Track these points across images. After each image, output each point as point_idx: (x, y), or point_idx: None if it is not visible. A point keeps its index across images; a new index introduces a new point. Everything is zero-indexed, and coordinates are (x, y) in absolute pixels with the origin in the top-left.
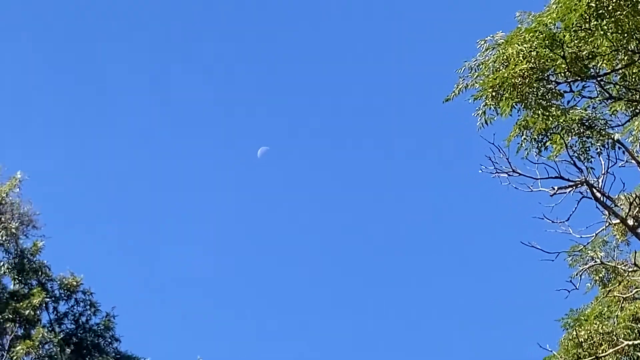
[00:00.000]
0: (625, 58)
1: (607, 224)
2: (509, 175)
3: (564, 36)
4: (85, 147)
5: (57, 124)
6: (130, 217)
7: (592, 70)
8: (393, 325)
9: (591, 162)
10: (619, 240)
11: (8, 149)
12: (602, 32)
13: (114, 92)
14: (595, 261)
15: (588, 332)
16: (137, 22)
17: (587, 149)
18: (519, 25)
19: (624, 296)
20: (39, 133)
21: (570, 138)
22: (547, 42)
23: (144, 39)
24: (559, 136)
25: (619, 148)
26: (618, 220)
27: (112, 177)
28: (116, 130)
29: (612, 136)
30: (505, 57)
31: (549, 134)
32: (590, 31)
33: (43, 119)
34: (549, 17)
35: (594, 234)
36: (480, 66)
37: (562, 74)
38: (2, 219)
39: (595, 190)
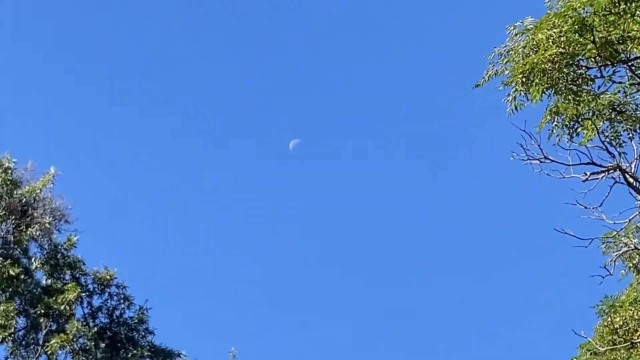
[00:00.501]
0: None
1: None
2: (540, 162)
3: (594, 20)
4: (115, 140)
5: (88, 118)
6: (161, 210)
7: (622, 54)
8: (424, 322)
9: (623, 147)
10: None
11: (40, 143)
12: (631, 16)
13: (142, 87)
14: (629, 247)
15: (623, 318)
16: (170, 19)
17: (619, 133)
18: (548, 11)
19: None
20: (70, 126)
21: (601, 123)
22: (576, 26)
23: (176, 32)
24: (590, 122)
25: None
26: None
27: (142, 170)
28: (146, 123)
29: None
30: (534, 42)
31: (580, 119)
32: (619, 15)
33: (73, 112)
34: (578, 1)
35: (628, 220)
36: (510, 52)
37: (593, 59)
38: (35, 214)
39: (627, 176)
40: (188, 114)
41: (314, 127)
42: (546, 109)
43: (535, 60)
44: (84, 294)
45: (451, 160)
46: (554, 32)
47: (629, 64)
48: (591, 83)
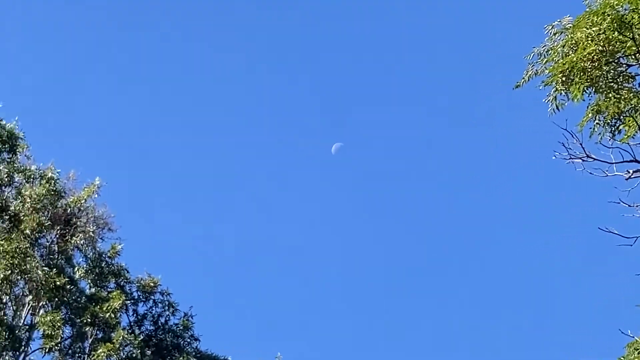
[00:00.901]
0: None
1: None
2: (583, 160)
3: (632, 18)
4: (156, 145)
5: (129, 125)
6: (203, 216)
7: None
8: (471, 321)
9: None
10: None
11: (83, 153)
12: None
13: (189, 88)
14: None
15: None
16: (222, 20)
17: None
18: (587, 9)
19: None
20: (110, 134)
21: None
22: (615, 24)
23: (224, 34)
24: (631, 119)
25: None
26: None
27: (186, 177)
28: (190, 127)
29: None
30: (573, 41)
31: (621, 117)
32: None
33: (115, 121)
34: None
35: None
36: (549, 52)
37: (633, 56)
38: (79, 223)
39: None
40: (229, 119)
41: (356, 131)
42: (587, 107)
43: (575, 59)
44: (128, 301)
45: (492, 161)
46: (593, 31)
47: None
48: (632, 80)
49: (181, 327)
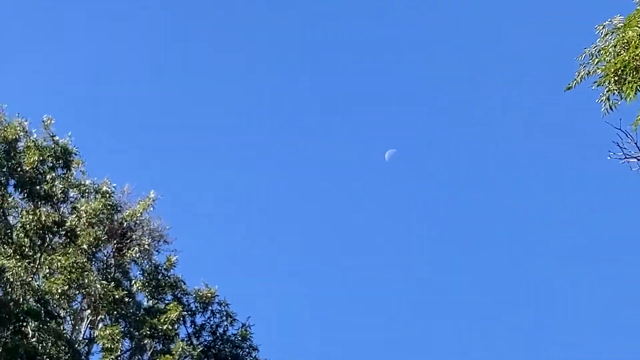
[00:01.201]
0: None
1: None
2: (638, 160)
3: None
4: (206, 155)
5: (182, 137)
6: (257, 224)
7: None
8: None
9: None
10: None
11: (137, 166)
12: None
13: (231, 100)
14: None
15: None
16: (286, 28)
17: None
18: (638, 7)
19: None
20: (164, 145)
21: None
22: None
23: (270, 39)
24: None
25: None
26: None
27: (237, 187)
28: (238, 137)
29: None
30: (625, 40)
31: None
32: None
33: (167, 134)
34: None
35: None
36: (601, 52)
37: None
38: (134, 236)
39: None
40: (279, 124)
41: (410, 137)
42: None
43: (627, 58)
44: (186, 313)
45: (543, 163)
46: None
47: None
48: None
49: (239, 337)
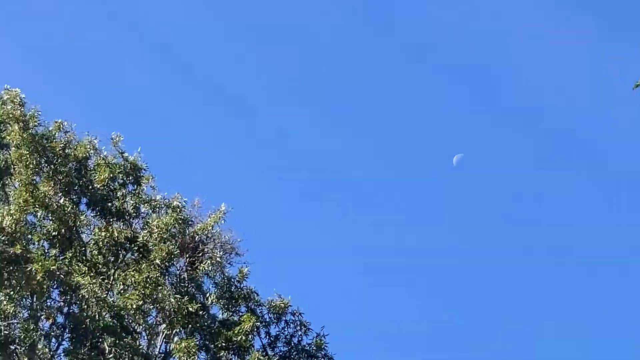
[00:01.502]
0: None
1: None
2: None
3: None
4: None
5: (251, 151)
6: (327, 232)
7: None
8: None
9: None
10: None
11: (205, 180)
12: None
13: (304, 108)
14: None
15: None
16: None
17: None
18: None
19: None
20: (233, 160)
21: None
22: None
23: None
24: None
25: None
26: None
27: (306, 195)
28: (304, 145)
29: None
30: None
31: None
32: None
33: (237, 148)
34: None
35: None
36: None
37: None
38: (206, 249)
39: None
40: (349, 129)
41: (479, 142)
42: None
43: None
44: (260, 323)
45: (618, 166)
46: None
47: None
48: None
49: (314, 347)
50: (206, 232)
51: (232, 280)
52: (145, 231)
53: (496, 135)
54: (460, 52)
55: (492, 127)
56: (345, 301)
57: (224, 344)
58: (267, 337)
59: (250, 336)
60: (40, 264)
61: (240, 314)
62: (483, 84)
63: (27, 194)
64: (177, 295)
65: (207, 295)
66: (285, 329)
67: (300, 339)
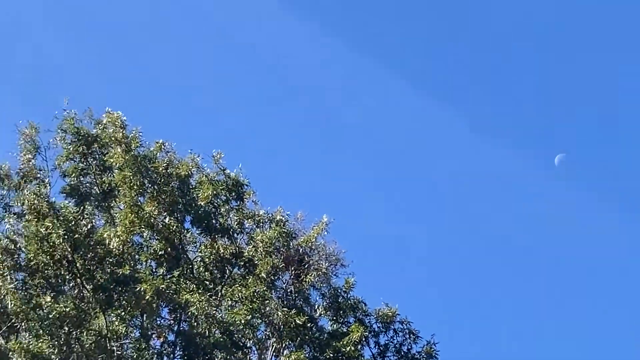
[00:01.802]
0: None
1: None
2: None
3: None
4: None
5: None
6: (427, 239)
7: None
8: None
9: None
10: None
11: (307, 192)
12: None
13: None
14: None
15: None
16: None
17: None
18: None
19: None
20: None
21: None
22: None
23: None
24: None
25: None
26: None
27: (411, 199)
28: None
29: None
30: None
31: None
32: None
33: (338, 162)
34: None
35: None
36: None
37: None
38: (311, 262)
39: None
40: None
41: (582, 141)
42: None
43: None
44: (368, 333)
45: None
46: None
47: None
48: None
49: (424, 355)
50: (310, 244)
51: (339, 291)
52: (250, 246)
53: (600, 135)
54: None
55: (595, 126)
56: (452, 307)
57: (333, 356)
58: (377, 346)
59: (359, 346)
60: (149, 283)
61: (349, 324)
62: (586, 82)
63: (133, 215)
64: (285, 309)
65: (315, 307)
66: (394, 338)
67: (409, 347)
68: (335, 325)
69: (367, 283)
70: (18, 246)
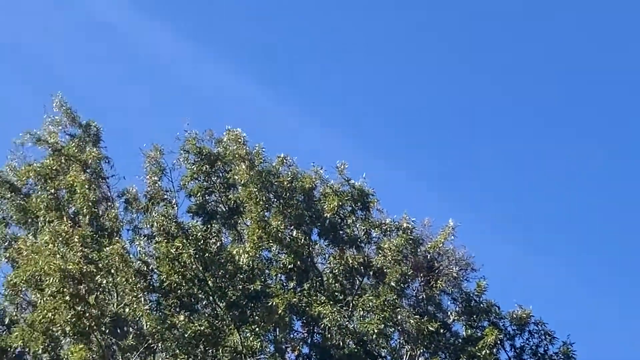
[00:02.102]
0: None
1: None
2: None
3: None
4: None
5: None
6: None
7: None
8: None
9: None
10: None
11: (431, 197)
12: None
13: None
14: None
15: None
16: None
17: None
18: None
19: None
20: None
21: None
22: None
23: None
24: None
25: None
26: None
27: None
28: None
29: None
30: None
31: None
32: None
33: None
34: None
35: None
36: None
37: None
38: (441, 267)
39: None
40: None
41: None
42: None
43: None
44: (503, 336)
45: None
46: None
47: None
48: None
49: (562, 356)
50: (438, 249)
51: (471, 295)
52: (379, 255)
53: None
54: None
55: None
56: (586, 308)
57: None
58: (512, 349)
59: (494, 350)
60: (280, 297)
61: (483, 328)
62: None
63: (260, 231)
64: (417, 316)
65: (447, 312)
66: (530, 340)
67: (546, 348)
68: (469, 330)
69: (498, 286)
70: (150, 268)
